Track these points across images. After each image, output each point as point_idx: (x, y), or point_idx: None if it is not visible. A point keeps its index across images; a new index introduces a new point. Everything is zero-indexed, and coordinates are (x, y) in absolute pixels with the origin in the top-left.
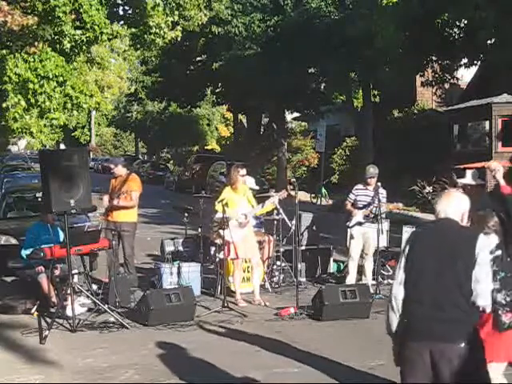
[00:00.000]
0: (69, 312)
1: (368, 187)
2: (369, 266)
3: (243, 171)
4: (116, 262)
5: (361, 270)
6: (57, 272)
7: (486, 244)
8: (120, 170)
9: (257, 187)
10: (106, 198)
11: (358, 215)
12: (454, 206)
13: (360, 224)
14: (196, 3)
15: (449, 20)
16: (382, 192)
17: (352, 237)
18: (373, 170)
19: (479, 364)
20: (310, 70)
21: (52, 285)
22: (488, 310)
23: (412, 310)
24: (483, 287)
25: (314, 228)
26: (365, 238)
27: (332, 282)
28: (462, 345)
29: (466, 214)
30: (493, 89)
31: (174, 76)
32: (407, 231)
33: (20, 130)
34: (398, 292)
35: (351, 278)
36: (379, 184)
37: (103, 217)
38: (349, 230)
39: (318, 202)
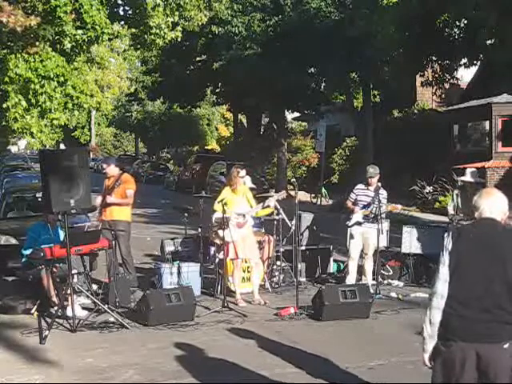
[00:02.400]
0: (69, 312)
1: (369, 187)
2: (369, 266)
3: (243, 172)
4: (115, 262)
5: (361, 270)
6: (57, 272)
7: None
8: (112, 170)
9: (253, 186)
10: (99, 198)
11: (358, 215)
12: (499, 205)
13: (359, 224)
14: (196, 4)
15: (449, 20)
16: (383, 193)
17: (352, 237)
18: (372, 170)
19: None
20: (309, 70)
21: (52, 285)
22: None
23: (457, 310)
24: None
25: (315, 228)
26: (364, 237)
27: (332, 282)
28: (507, 345)
29: (507, 214)
30: (493, 89)
31: (174, 76)
32: (407, 231)
33: (20, 130)
34: (444, 291)
35: (351, 278)
36: (379, 184)
37: (98, 217)
38: (348, 229)
39: (318, 202)
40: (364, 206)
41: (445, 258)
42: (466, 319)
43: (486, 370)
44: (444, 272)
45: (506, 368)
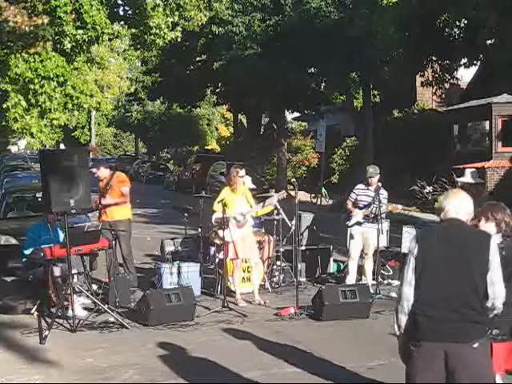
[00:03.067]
0: (69, 312)
1: (369, 187)
2: (369, 266)
3: (242, 172)
4: (115, 262)
5: (361, 270)
6: (57, 272)
7: (497, 246)
8: (103, 172)
9: (253, 186)
10: (104, 198)
11: (358, 215)
12: (465, 206)
13: (359, 224)
14: (196, 4)
15: (449, 20)
16: (383, 193)
17: (351, 237)
18: (372, 170)
19: (489, 365)
20: (309, 70)
21: (52, 285)
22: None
23: (425, 311)
24: (498, 289)
25: (315, 228)
26: (364, 237)
27: (332, 282)
28: (476, 345)
29: (471, 215)
30: (493, 89)
31: (174, 76)
32: (407, 231)
33: (20, 130)
34: (410, 294)
35: (351, 278)
36: (380, 184)
37: (98, 218)
38: (348, 229)
39: (318, 202)
40: (364, 206)
41: (410, 262)
42: (434, 319)
43: (454, 370)
44: (409, 275)
45: (474, 367)
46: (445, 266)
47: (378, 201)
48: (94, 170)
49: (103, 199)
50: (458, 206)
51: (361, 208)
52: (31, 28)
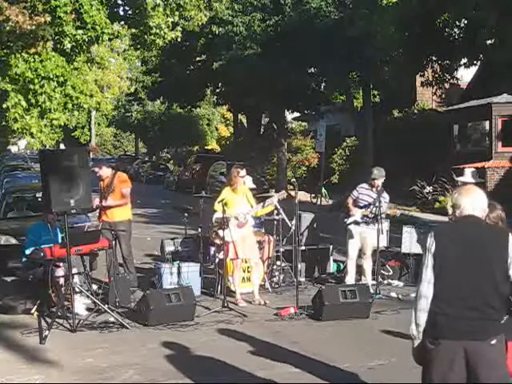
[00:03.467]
0: (75, 310)
1: (372, 189)
2: (367, 265)
3: (243, 172)
4: (115, 262)
5: (360, 270)
6: (58, 272)
7: None
8: (105, 172)
9: (254, 186)
10: (96, 200)
11: (357, 214)
12: (481, 202)
13: (357, 223)
14: (196, 4)
15: (449, 20)
16: (385, 196)
17: (350, 237)
18: (377, 172)
19: (504, 363)
20: (309, 70)
21: (52, 285)
22: None
23: (443, 309)
24: None
25: (315, 226)
26: (362, 237)
27: (332, 282)
28: (494, 341)
29: (486, 211)
30: (493, 89)
31: (174, 76)
32: (407, 231)
33: (20, 130)
34: (429, 291)
35: (350, 278)
36: (382, 188)
37: (98, 218)
38: (347, 229)
39: (318, 202)
40: (364, 206)
41: (428, 259)
42: (453, 317)
43: (474, 367)
44: (428, 274)
45: (493, 364)
46: (464, 264)
47: (379, 202)
48: (96, 169)
49: (104, 201)
50: (474, 202)
51: (361, 207)
52: (32, 27)
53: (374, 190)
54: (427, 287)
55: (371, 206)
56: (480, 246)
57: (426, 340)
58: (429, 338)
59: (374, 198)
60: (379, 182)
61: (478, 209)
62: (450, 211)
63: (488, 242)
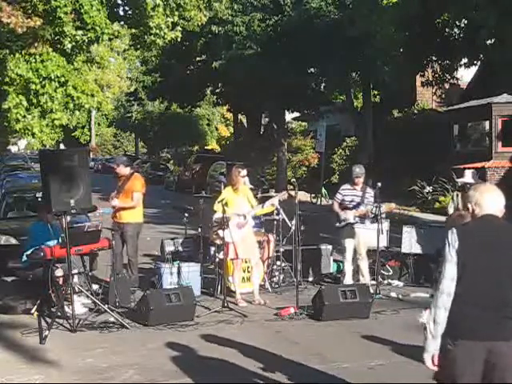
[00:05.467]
0: (75, 310)
1: (355, 187)
2: (364, 265)
3: (244, 172)
4: (116, 263)
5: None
6: (58, 272)
7: None
8: (122, 170)
9: (251, 186)
10: (114, 199)
11: (349, 215)
12: (500, 202)
13: (349, 224)
14: (196, 4)
15: (449, 20)
16: (370, 192)
17: (342, 238)
18: (359, 169)
19: None
20: (309, 70)
21: (52, 285)
22: None
23: (465, 308)
24: None
25: (303, 228)
26: (355, 237)
27: (331, 282)
28: None
29: (503, 211)
30: (493, 89)
31: (174, 76)
32: (407, 231)
33: (22, 130)
34: (451, 288)
35: (348, 279)
36: (364, 184)
37: (112, 218)
38: (340, 231)
39: (318, 202)
40: (354, 207)
41: (451, 255)
42: (475, 318)
43: (494, 368)
44: (450, 269)
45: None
46: (486, 264)
47: (374, 200)
48: (113, 166)
49: (112, 200)
50: (494, 201)
51: (350, 209)
52: (24, 29)
53: (358, 188)
54: (450, 284)
55: (361, 206)
56: (501, 246)
57: (446, 340)
58: (448, 338)
59: (360, 197)
60: (362, 180)
61: (497, 208)
62: (451, 211)
63: (509, 243)
